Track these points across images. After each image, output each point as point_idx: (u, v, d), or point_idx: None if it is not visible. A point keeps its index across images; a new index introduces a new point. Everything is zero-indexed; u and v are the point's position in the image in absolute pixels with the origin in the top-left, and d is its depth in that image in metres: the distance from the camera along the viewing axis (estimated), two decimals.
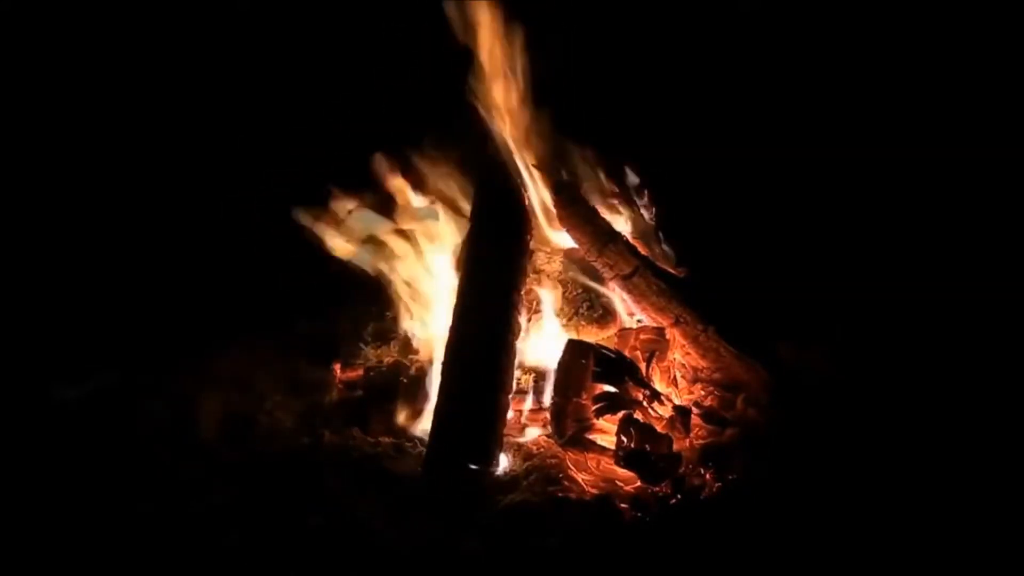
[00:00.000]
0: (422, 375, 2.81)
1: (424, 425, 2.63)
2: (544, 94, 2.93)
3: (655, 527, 2.13)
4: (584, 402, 2.47)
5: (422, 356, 2.90)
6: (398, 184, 3.01)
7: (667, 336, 2.72)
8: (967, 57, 3.90)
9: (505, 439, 2.51)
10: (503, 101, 2.88)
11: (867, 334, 2.83)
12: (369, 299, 3.12)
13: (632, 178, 3.18)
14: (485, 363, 2.55)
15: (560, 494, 2.28)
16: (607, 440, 2.42)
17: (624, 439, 2.33)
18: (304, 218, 2.99)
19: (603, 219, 2.92)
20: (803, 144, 3.84)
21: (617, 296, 2.85)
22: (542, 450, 2.52)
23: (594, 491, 2.31)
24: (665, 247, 3.06)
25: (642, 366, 2.59)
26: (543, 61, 2.89)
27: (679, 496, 2.23)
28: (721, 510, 2.17)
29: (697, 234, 3.15)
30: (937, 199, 3.53)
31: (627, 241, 2.89)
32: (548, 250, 3.02)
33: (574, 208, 2.89)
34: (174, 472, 2.41)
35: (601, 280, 2.87)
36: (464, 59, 2.90)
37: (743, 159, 3.82)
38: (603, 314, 2.87)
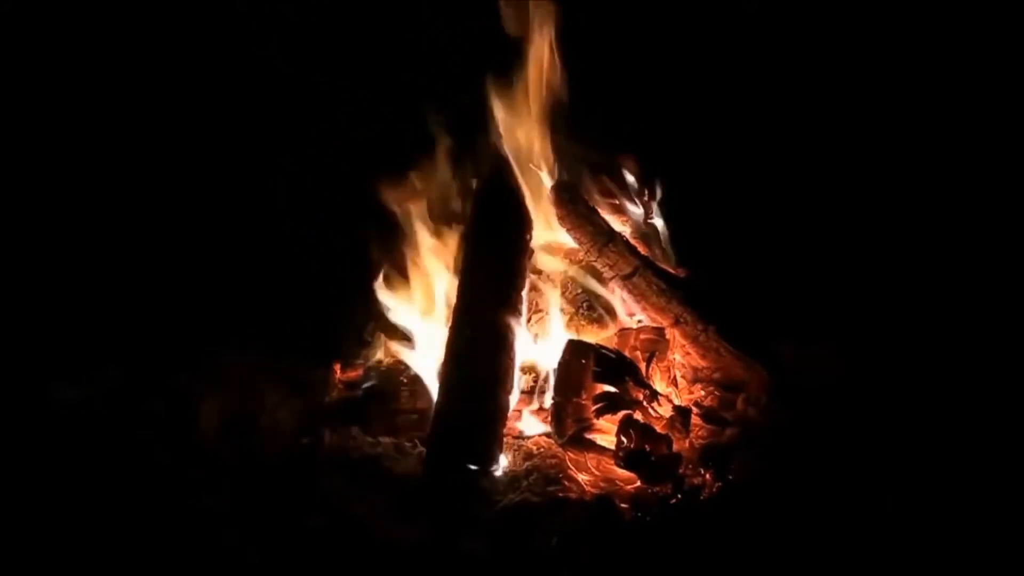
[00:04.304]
0: (422, 375, 2.81)
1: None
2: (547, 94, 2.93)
3: (655, 527, 2.13)
4: (584, 402, 2.47)
5: (422, 356, 2.89)
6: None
7: (667, 336, 2.71)
8: (968, 58, 3.90)
9: (505, 439, 2.51)
10: (508, 102, 2.88)
11: (867, 334, 2.83)
12: (369, 299, 3.12)
13: (632, 178, 3.18)
14: (485, 363, 2.55)
15: (560, 494, 2.28)
16: (607, 440, 2.42)
17: (624, 439, 2.33)
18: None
19: (603, 219, 2.92)
20: (803, 144, 3.85)
21: (617, 296, 2.85)
22: (542, 450, 2.52)
23: (594, 491, 2.31)
24: (665, 247, 3.06)
25: (642, 366, 2.59)
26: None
27: (679, 496, 2.23)
28: (721, 510, 2.17)
29: (697, 234, 3.15)
30: (936, 197, 3.53)
31: (627, 241, 2.89)
32: (548, 250, 3.02)
33: (574, 208, 2.88)
34: (174, 472, 2.41)
35: (601, 280, 2.87)
36: (468, 60, 2.91)
37: (743, 159, 3.82)
38: (603, 314, 2.86)
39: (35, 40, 3.98)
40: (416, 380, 2.80)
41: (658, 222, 3.12)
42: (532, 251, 2.95)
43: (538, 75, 2.90)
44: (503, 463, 2.44)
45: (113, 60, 4.00)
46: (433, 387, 2.69)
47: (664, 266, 2.90)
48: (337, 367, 2.96)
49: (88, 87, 3.99)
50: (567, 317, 2.87)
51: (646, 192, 3.18)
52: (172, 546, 2.11)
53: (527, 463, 2.45)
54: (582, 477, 2.37)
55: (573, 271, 2.93)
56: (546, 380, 2.71)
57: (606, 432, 2.44)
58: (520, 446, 2.55)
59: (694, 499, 2.22)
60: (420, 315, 2.94)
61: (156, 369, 2.89)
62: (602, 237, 2.81)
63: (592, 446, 2.43)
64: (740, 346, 2.66)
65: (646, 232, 3.08)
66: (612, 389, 2.46)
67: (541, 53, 2.87)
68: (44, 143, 3.87)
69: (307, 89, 4.03)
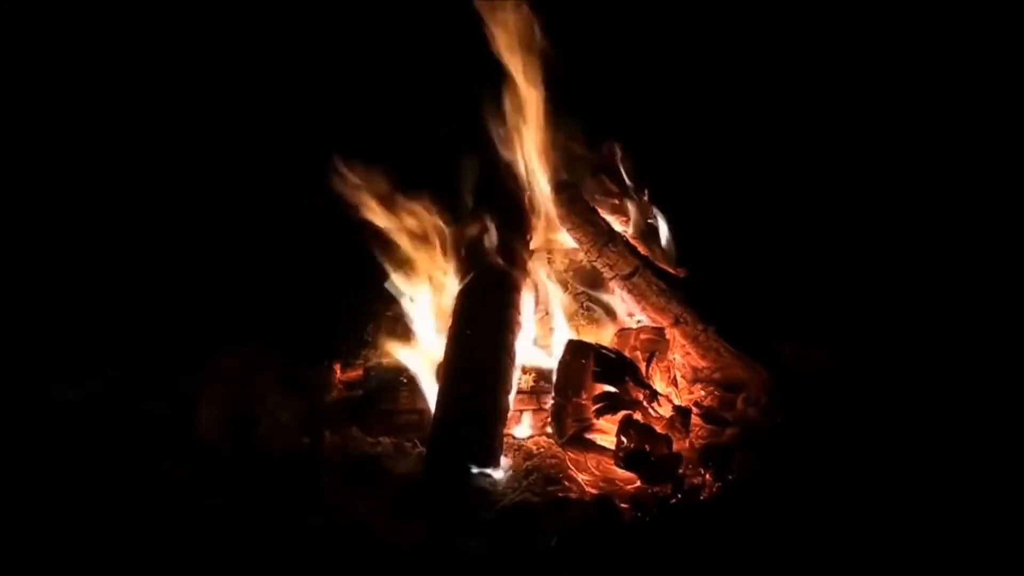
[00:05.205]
0: (422, 375, 2.81)
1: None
2: (548, 94, 2.93)
3: (655, 527, 2.13)
4: (584, 402, 2.47)
5: (422, 356, 2.89)
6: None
7: (667, 336, 2.72)
8: (967, 56, 3.90)
9: (505, 439, 2.51)
10: (509, 101, 2.88)
11: (867, 334, 2.83)
12: (369, 299, 3.12)
13: (632, 178, 3.18)
14: (485, 363, 2.55)
15: (560, 494, 2.29)
16: (607, 440, 2.42)
17: (624, 439, 2.33)
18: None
19: (603, 219, 2.92)
20: (803, 143, 3.85)
21: (617, 296, 2.85)
22: (542, 450, 2.52)
23: (594, 491, 2.31)
24: (665, 247, 3.06)
25: (642, 366, 2.59)
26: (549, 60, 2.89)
27: (679, 496, 2.23)
28: (721, 510, 2.17)
29: (697, 234, 3.15)
30: (937, 197, 3.53)
31: (627, 241, 2.89)
32: (548, 250, 3.02)
33: (574, 208, 2.88)
34: (174, 472, 2.41)
35: (601, 280, 2.87)
36: (469, 59, 2.91)
37: (743, 158, 3.82)
38: (603, 314, 2.87)
39: (35, 40, 3.97)
40: (416, 380, 2.80)
41: (659, 222, 3.12)
42: (532, 251, 2.95)
43: (535, 75, 2.90)
44: (503, 463, 2.44)
45: (113, 60, 3.99)
46: (433, 387, 2.69)
47: (664, 266, 2.90)
48: (337, 367, 2.96)
49: (88, 87, 3.99)
50: (567, 317, 2.87)
51: (645, 191, 3.18)
52: (173, 546, 2.11)
53: (527, 463, 2.45)
54: (582, 477, 2.37)
55: (573, 271, 2.93)
56: (546, 380, 2.71)
57: (606, 432, 2.44)
58: (520, 446, 2.55)
59: (694, 499, 2.22)
60: (421, 315, 2.95)
61: (156, 369, 2.89)
62: (602, 237, 2.82)
63: (592, 446, 2.43)
64: (740, 346, 2.66)
65: (646, 232, 3.08)
66: (612, 389, 2.46)
67: (534, 53, 2.87)
68: (44, 143, 3.86)
69: (307, 89, 4.03)
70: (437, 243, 2.96)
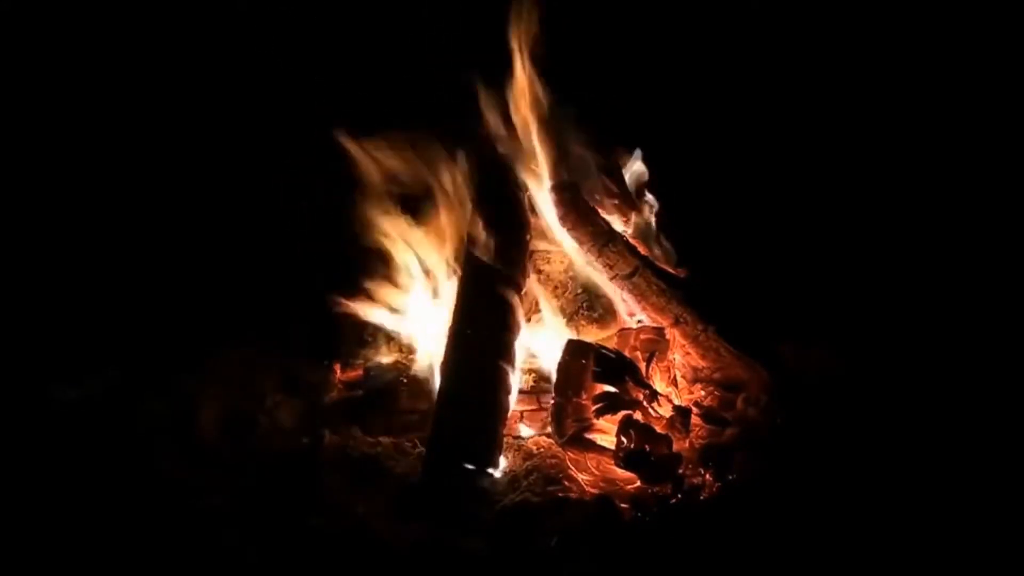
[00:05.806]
0: (422, 375, 2.81)
1: None
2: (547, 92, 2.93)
3: (655, 527, 2.13)
4: (584, 402, 2.47)
5: (422, 356, 2.89)
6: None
7: (667, 336, 2.72)
8: (967, 57, 3.90)
9: (505, 439, 2.51)
10: (509, 99, 2.88)
11: (867, 334, 2.83)
12: (369, 299, 3.12)
13: (632, 178, 3.18)
14: (485, 363, 2.54)
15: (560, 494, 2.29)
16: (607, 440, 2.42)
17: (624, 439, 2.33)
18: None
19: (603, 219, 2.92)
20: (803, 143, 3.85)
21: (617, 296, 2.85)
22: (542, 450, 2.52)
23: (594, 491, 2.31)
24: (665, 247, 3.06)
25: (642, 366, 2.59)
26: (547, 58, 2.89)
27: (679, 496, 2.23)
28: (721, 510, 2.17)
29: (697, 234, 3.15)
30: (937, 198, 3.53)
31: (627, 241, 2.89)
32: (548, 250, 3.02)
33: (574, 208, 2.88)
34: (174, 472, 2.41)
35: (601, 280, 2.86)
36: (468, 56, 2.90)
37: (744, 158, 3.82)
38: (603, 314, 2.86)
39: (35, 40, 3.97)
40: (416, 380, 2.81)
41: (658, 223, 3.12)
42: (532, 251, 2.95)
43: (534, 75, 2.90)
44: (503, 463, 2.44)
45: (113, 60, 4.00)
46: (433, 387, 2.69)
47: (664, 266, 2.90)
48: (337, 367, 2.96)
49: (88, 87, 3.99)
50: (567, 317, 2.87)
51: (645, 192, 3.18)
52: (173, 546, 2.11)
53: (527, 463, 2.45)
54: (582, 477, 2.37)
55: (573, 271, 2.93)
56: (546, 380, 2.71)
57: (606, 432, 2.44)
58: (520, 446, 2.56)
59: (694, 499, 2.22)
60: (421, 313, 2.95)
61: (156, 369, 2.89)
62: (602, 237, 2.81)
63: (592, 446, 2.43)
64: (740, 346, 2.66)
65: (646, 232, 3.08)
66: (612, 389, 2.46)
67: (534, 53, 2.88)
68: (44, 143, 3.87)
69: (307, 89, 4.03)
70: (437, 242, 2.97)
